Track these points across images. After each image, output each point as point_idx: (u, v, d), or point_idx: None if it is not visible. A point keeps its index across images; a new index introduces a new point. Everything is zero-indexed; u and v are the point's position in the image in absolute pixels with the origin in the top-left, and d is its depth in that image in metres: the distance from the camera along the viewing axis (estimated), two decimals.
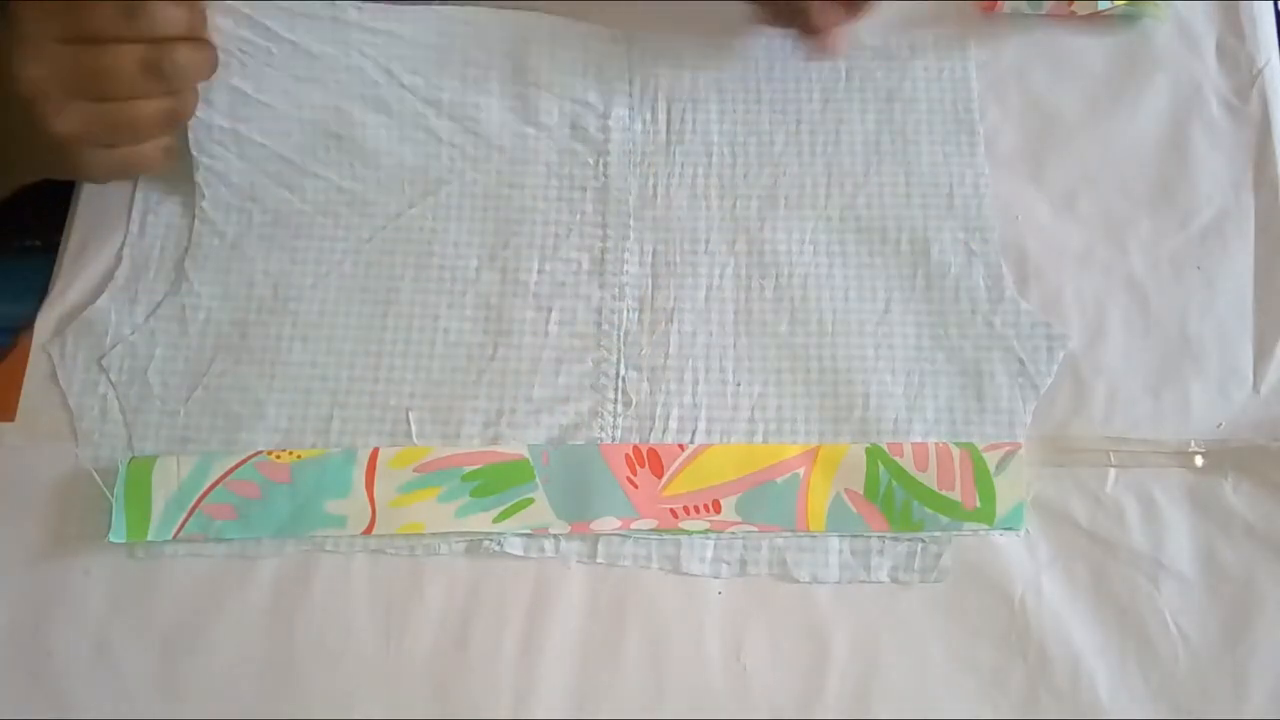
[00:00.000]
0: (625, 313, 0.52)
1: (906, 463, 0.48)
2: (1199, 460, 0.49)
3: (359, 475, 0.49)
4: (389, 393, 0.51)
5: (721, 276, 0.53)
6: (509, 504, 0.48)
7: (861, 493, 0.48)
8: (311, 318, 0.52)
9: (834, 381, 0.50)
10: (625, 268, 0.53)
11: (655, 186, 0.54)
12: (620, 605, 0.47)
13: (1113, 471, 0.49)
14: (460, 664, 0.46)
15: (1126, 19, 0.57)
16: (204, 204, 0.54)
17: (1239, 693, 0.45)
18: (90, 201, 0.56)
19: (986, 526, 0.47)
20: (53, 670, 0.47)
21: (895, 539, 0.48)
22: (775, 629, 0.47)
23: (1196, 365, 0.50)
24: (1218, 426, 0.49)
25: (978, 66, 0.56)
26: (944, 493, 0.48)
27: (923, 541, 0.48)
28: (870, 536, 0.48)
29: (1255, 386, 0.50)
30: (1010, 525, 0.47)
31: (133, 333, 0.52)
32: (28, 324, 0.53)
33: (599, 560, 0.48)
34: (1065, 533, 0.48)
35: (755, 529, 0.48)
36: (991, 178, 0.54)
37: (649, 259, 0.53)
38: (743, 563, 0.48)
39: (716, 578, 0.48)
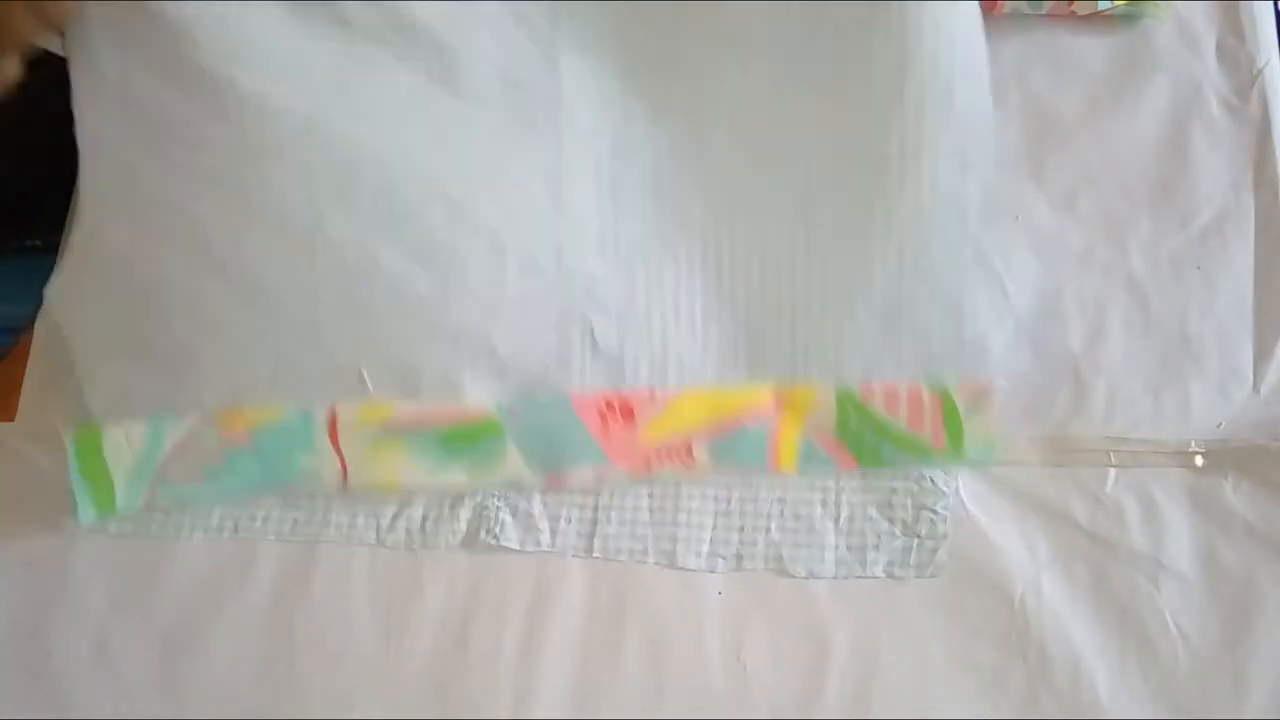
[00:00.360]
0: (587, 247, 0.48)
1: (876, 405, 0.48)
2: (1199, 460, 0.49)
3: (321, 434, 0.47)
4: (334, 347, 0.47)
5: (687, 216, 0.49)
6: (481, 459, 0.48)
7: (832, 434, 0.48)
8: (226, 254, 0.45)
9: (805, 319, 0.48)
10: (584, 194, 0.48)
11: (608, 92, 0.48)
12: (620, 605, 0.47)
13: (1113, 471, 0.49)
14: (460, 664, 0.46)
15: (1126, 19, 0.57)
16: (79, 98, 0.45)
17: (1239, 693, 0.45)
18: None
19: (954, 464, 0.47)
20: (53, 670, 0.47)
21: (891, 535, 0.48)
22: (775, 629, 0.47)
23: (1196, 365, 0.50)
24: (1218, 426, 0.49)
25: None
26: (913, 433, 0.48)
27: (918, 537, 0.48)
28: (866, 531, 0.48)
29: (1255, 386, 0.50)
30: (980, 461, 0.48)
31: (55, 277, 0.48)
32: (28, 324, 0.54)
33: (595, 555, 0.48)
34: (1065, 533, 0.48)
35: (728, 473, 0.48)
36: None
37: (609, 185, 0.48)
38: (739, 557, 0.48)
39: (712, 572, 0.48)
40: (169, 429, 0.47)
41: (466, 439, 0.48)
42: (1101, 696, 0.45)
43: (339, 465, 0.47)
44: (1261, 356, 0.50)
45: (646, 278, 0.48)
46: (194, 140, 0.45)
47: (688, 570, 0.48)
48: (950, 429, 0.47)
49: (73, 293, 0.47)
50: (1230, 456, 0.49)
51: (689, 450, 0.48)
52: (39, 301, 0.54)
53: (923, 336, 0.47)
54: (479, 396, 0.47)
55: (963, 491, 0.48)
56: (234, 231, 0.45)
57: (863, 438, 0.47)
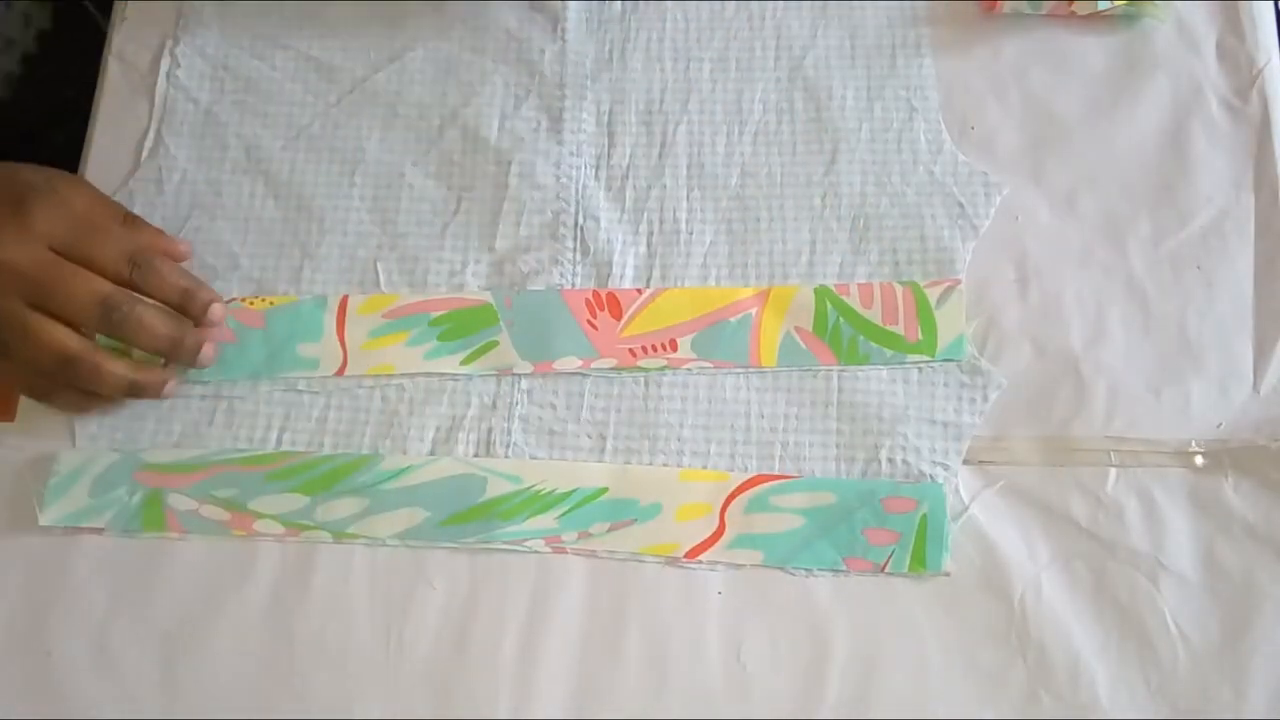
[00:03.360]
0: (583, 168, 0.55)
1: (853, 300, 0.51)
2: (1199, 460, 0.49)
3: (330, 320, 0.52)
4: (357, 245, 0.54)
5: (674, 133, 0.56)
6: (475, 347, 0.51)
7: (810, 329, 0.51)
8: (282, 177, 0.56)
9: (783, 229, 0.53)
10: (582, 126, 0.56)
11: (612, 50, 0.58)
12: (620, 605, 0.47)
13: (1113, 471, 0.49)
14: (460, 664, 0.46)
15: (1126, 19, 0.57)
16: (178, 72, 0.58)
17: (1239, 693, 0.45)
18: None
19: (928, 358, 0.50)
20: (53, 670, 0.47)
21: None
22: (775, 629, 0.47)
23: (1196, 365, 0.50)
24: (1218, 426, 0.49)
25: (978, 67, 0.57)
26: (888, 327, 0.50)
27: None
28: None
29: (1255, 386, 0.50)
30: (951, 356, 0.50)
31: (113, 194, 0.55)
32: None
33: (599, 555, 0.48)
34: (1065, 533, 0.48)
35: (710, 365, 0.50)
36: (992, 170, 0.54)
37: (605, 118, 0.56)
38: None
39: (713, 571, 0.48)
40: None
41: (462, 324, 0.52)
42: (1101, 696, 0.45)
43: (340, 355, 0.52)
44: (1261, 356, 0.50)
45: (635, 194, 0.55)
46: (270, 95, 0.58)
47: (688, 570, 0.48)
48: (924, 323, 0.51)
49: (125, 204, 0.54)
50: (1230, 456, 0.49)
51: (673, 343, 0.51)
52: None
53: (888, 244, 0.53)
54: (478, 289, 0.53)
55: (962, 490, 0.48)
56: (289, 156, 0.56)
57: (840, 332, 0.51)
